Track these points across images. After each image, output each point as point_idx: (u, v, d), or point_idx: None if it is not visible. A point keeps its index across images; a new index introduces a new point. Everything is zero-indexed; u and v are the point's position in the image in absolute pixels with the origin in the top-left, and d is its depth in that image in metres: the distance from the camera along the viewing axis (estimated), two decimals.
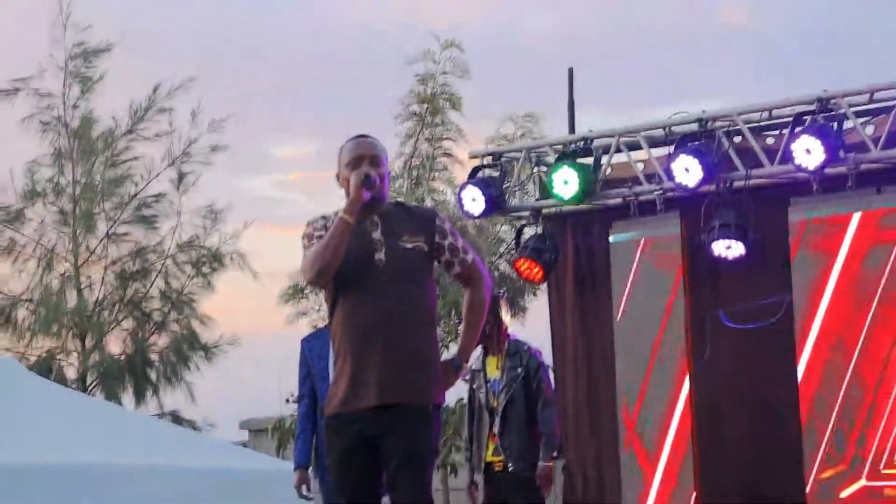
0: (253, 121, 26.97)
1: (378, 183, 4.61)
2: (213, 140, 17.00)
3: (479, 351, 7.50)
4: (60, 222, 16.83)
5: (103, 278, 16.90)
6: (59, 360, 16.79)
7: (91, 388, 16.50)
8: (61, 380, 15.93)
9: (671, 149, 8.04)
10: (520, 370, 7.09)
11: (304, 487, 6.75)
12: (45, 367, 15.99)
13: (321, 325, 13.06)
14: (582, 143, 8.43)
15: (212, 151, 16.98)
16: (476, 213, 8.72)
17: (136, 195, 16.84)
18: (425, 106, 15.41)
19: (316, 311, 15.32)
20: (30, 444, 9.13)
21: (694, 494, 8.13)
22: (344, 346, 4.66)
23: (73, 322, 16.58)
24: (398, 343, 4.59)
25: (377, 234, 4.67)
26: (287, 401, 12.22)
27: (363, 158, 4.68)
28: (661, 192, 8.16)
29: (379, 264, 4.63)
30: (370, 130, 4.82)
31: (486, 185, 8.57)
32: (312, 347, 6.78)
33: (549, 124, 15.53)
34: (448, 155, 15.53)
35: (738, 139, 7.97)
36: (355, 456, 4.68)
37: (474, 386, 7.31)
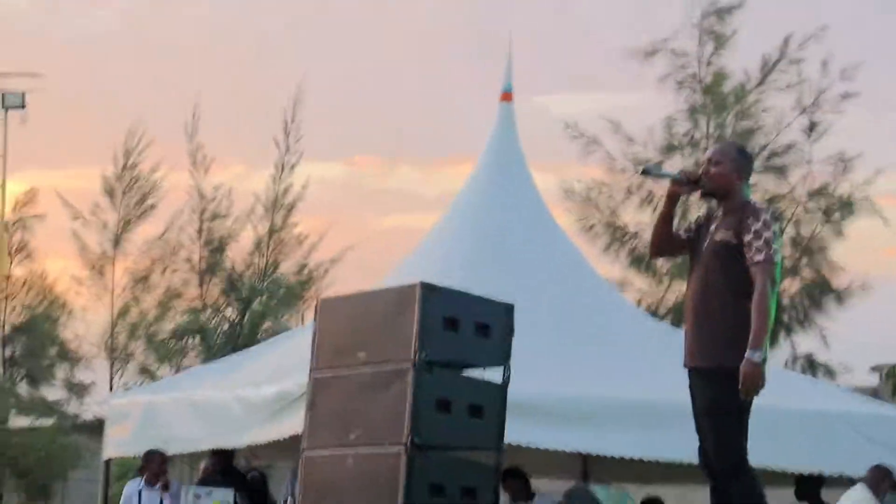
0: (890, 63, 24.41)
1: (684, 179, 5.15)
2: (844, 87, 15.80)
3: None
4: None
5: None
6: None
7: None
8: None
9: None
10: None
11: None
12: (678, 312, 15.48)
13: None
14: None
15: (842, 99, 15.79)
16: None
17: (766, 145, 16.04)
18: None
19: None
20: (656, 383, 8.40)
21: None
22: None
23: None
24: (698, 319, 5.08)
25: (712, 227, 5.13)
26: None
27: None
28: None
29: (701, 252, 5.14)
30: None
31: None
32: None
33: None
34: None
35: None
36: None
37: None
